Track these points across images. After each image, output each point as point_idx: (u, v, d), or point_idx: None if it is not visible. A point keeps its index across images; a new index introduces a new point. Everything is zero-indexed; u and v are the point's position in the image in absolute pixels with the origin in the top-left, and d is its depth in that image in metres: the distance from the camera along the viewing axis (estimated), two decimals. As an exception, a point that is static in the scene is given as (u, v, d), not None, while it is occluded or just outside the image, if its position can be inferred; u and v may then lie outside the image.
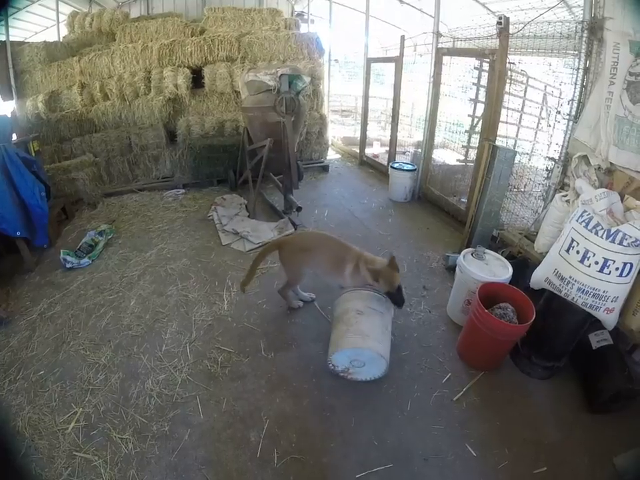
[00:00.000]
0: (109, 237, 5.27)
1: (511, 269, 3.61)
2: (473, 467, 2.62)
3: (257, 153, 5.98)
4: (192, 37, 7.89)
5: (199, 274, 4.55)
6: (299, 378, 3.20)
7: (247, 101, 6.00)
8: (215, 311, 3.97)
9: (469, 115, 6.36)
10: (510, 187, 4.69)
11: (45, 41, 7.76)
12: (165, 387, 3.14)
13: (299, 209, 5.63)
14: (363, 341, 2.94)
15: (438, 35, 5.88)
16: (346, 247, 3.55)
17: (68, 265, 4.66)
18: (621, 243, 2.64)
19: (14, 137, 5.53)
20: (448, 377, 3.19)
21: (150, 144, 7.34)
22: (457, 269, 3.77)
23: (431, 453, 2.69)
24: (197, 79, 7.56)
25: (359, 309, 3.16)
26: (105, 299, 4.12)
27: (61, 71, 7.51)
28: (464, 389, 3.15)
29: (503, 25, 4.32)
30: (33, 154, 5.51)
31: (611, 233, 2.67)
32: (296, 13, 10.82)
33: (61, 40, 8.82)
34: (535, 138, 7.26)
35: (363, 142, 8.82)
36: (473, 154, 6.18)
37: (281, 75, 5.27)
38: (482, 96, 5.88)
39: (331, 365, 3.07)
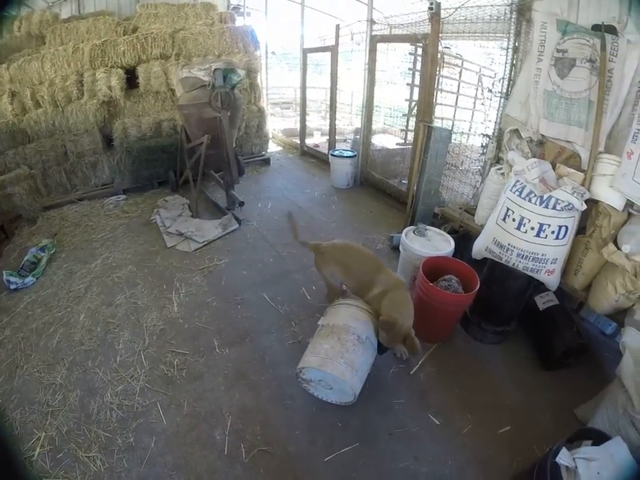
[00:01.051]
0: (52, 251, 5.03)
1: (453, 243, 3.74)
2: (438, 434, 2.74)
3: (196, 151, 5.85)
4: (124, 35, 7.51)
5: (146, 279, 4.46)
6: (255, 371, 3.22)
7: (182, 98, 5.84)
8: (166, 314, 3.92)
9: (406, 100, 6.48)
10: (447, 165, 4.84)
11: (-31, 49, 7.21)
12: (124, 397, 3.09)
13: (241, 203, 5.60)
14: (351, 375, 2.71)
15: (372, 22, 5.91)
16: (378, 269, 3.17)
17: (12, 287, 4.43)
18: (554, 208, 2.81)
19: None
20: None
21: (86, 150, 6.98)
22: (400, 247, 3.87)
23: (394, 427, 2.78)
24: (131, 79, 7.24)
25: (361, 336, 2.86)
26: (54, 317, 3.96)
27: (-12, 81, 7.01)
28: (419, 362, 3.27)
29: (435, 10, 4.39)
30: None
31: (544, 199, 2.84)
32: (232, 6, 10.49)
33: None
34: (471, 118, 7.49)
35: (303, 132, 8.80)
36: (411, 137, 6.26)
37: (215, 69, 5.13)
38: (418, 80, 5.95)
39: (300, 372, 2.87)
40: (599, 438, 2.05)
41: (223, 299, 4.08)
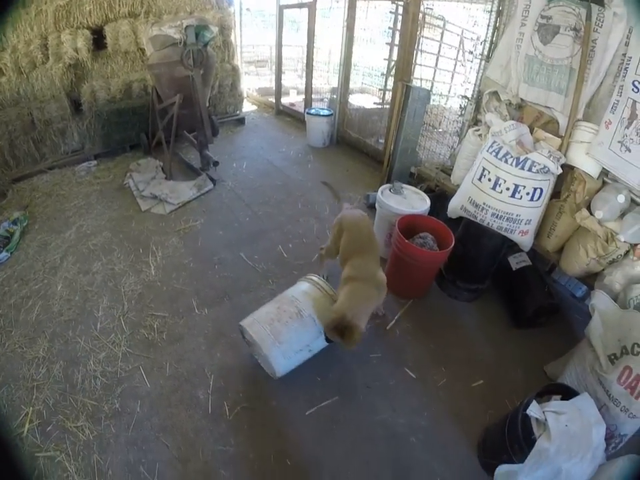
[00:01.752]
0: (24, 224, 4.88)
1: (428, 201, 3.74)
2: (414, 387, 2.82)
3: (168, 112, 5.64)
4: None
5: (122, 245, 4.37)
6: (235, 329, 3.17)
7: (152, 57, 5.55)
8: (143, 278, 3.87)
9: (385, 59, 6.29)
10: (425, 125, 4.79)
11: None
12: (107, 364, 3.08)
13: (215, 163, 5.47)
14: (271, 346, 2.62)
15: None
16: (364, 252, 2.83)
17: (-13, 264, 4.35)
18: (530, 170, 2.80)
19: None
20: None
21: (54, 117, 6.62)
22: (377, 204, 3.85)
23: (372, 380, 2.85)
24: (98, 39, 6.78)
25: (303, 312, 2.75)
26: (31, 290, 3.88)
27: (-57, 52, 6.54)
28: (395, 317, 3.32)
29: None
30: None
31: (520, 160, 2.83)
32: (205, -40, 9.94)
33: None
34: (451, 80, 7.34)
35: (279, 91, 8.55)
36: (389, 97, 6.13)
37: (187, 26, 4.86)
38: (398, 40, 5.76)
39: (241, 330, 2.88)
40: (568, 393, 2.14)
41: (200, 260, 4.04)
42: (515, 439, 2.05)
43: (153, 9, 7.05)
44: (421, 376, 2.90)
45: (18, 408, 2.87)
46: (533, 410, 1.96)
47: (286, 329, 2.67)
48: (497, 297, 3.57)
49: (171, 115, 5.48)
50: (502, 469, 2.12)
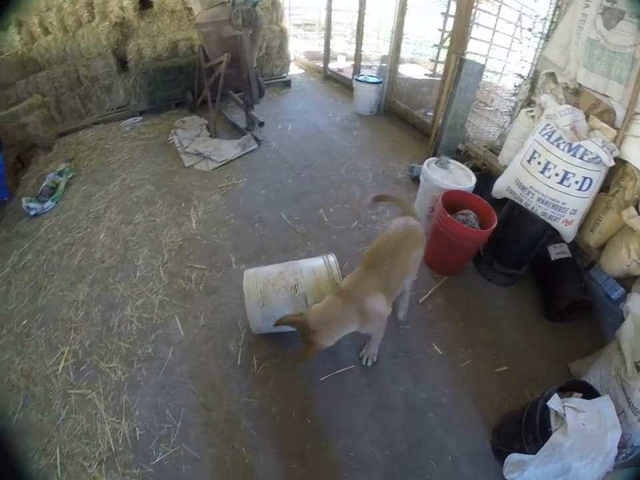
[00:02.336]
0: (69, 176, 5.13)
1: (474, 178, 3.66)
2: (439, 364, 2.83)
3: (215, 71, 5.71)
4: None
5: (164, 198, 4.54)
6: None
7: (200, 16, 5.62)
8: (184, 231, 4.01)
9: (438, 30, 6.13)
10: (476, 101, 4.64)
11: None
12: (143, 311, 3.24)
13: (261, 124, 5.51)
14: (254, 304, 2.73)
15: None
16: (377, 265, 2.47)
17: (32, 212, 4.57)
18: (581, 158, 2.69)
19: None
20: (414, 279, 3.24)
21: (100, 74, 6.86)
22: (421, 176, 3.81)
23: (399, 351, 2.88)
24: None
25: (300, 288, 2.76)
26: (74, 238, 4.10)
27: (-8, 12, 6.91)
28: (429, 292, 3.31)
29: None
30: (-26, 107, 5.26)
31: (573, 147, 2.72)
32: None
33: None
34: (506, 57, 7.10)
35: (327, 56, 8.42)
36: (440, 69, 6.01)
37: None
38: (453, 10, 5.58)
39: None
40: (589, 393, 2.10)
41: (241, 217, 4.14)
42: (531, 430, 2.05)
43: (200, -33, 7.08)
44: (447, 353, 2.91)
45: (55, 347, 3.10)
46: (554, 402, 1.95)
47: (275, 295, 2.73)
48: (531, 285, 3.49)
49: (218, 74, 5.54)
50: (513, 458, 2.11)
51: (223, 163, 5.10)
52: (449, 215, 3.17)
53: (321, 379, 2.72)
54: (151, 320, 3.17)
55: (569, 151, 2.74)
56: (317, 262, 2.94)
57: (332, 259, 2.94)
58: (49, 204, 4.65)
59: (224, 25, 5.11)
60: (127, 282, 3.52)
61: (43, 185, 4.86)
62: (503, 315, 3.23)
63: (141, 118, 6.76)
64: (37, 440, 2.57)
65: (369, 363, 2.81)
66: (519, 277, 3.49)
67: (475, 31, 4.75)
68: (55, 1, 6.74)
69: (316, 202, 4.36)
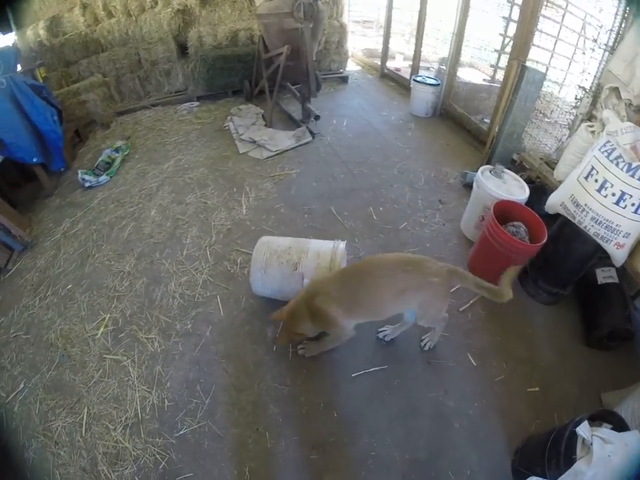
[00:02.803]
0: (125, 153, 5.36)
1: (527, 190, 3.59)
2: (472, 375, 2.80)
3: (274, 62, 5.82)
4: None
5: (217, 182, 4.68)
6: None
7: (262, 7, 5.76)
8: (234, 215, 4.13)
9: (500, 34, 6.03)
10: (535, 111, 4.54)
11: (37, -35, 7.43)
12: (187, 288, 3.36)
13: (317, 117, 5.57)
14: (256, 270, 2.97)
15: None
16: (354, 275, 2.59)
17: (87, 184, 4.81)
18: None
19: (18, 67, 5.51)
20: (456, 287, 3.23)
21: (160, 58, 7.17)
22: (474, 184, 3.76)
23: (433, 357, 2.87)
24: None
25: (299, 267, 2.93)
26: (126, 212, 4.29)
27: (59, -6, 7.24)
28: (471, 301, 3.27)
29: None
30: (41, 80, 5.60)
31: (632, 167, 2.63)
32: None
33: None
34: (568, 68, 6.91)
35: (385, 54, 8.41)
36: (500, 75, 5.87)
37: None
38: (515, 15, 5.48)
39: None
40: (620, 425, 2.04)
41: (291, 207, 4.21)
42: (555, 454, 2.00)
43: (263, -41, 7.26)
44: (481, 365, 2.87)
45: (96, 313, 3.27)
46: (583, 429, 1.90)
47: (277, 267, 2.95)
48: (574, 307, 3.37)
49: (277, 65, 5.64)
50: (532, 481, 2.07)
51: (277, 152, 5.20)
52: (500, 226, 3.15)
53: (353, 375, 2.74)
54: (193, 297, 3.28)
55: (627, 170, 2.64)
56: (326, 246, 3.03)
57: (341, 246, 3.01)
58: (103, 178, 4.87)
59: (285, 17, 5.20)
60: (173, 259, 3.65)
61: (99, 159, 5.10)
62: (542, 334, 3.16)
63: (197, 103, 7.01)
64: (67, 398, 2.73)
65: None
66: (562, 296, 3.39)
67: (536, 38, 4.66)
68: None
69: (366, 199, 4.37)
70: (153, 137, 5.88)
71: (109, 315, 3.22)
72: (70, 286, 3.56)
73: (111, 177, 4.95)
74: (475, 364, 2.86)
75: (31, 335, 3.21)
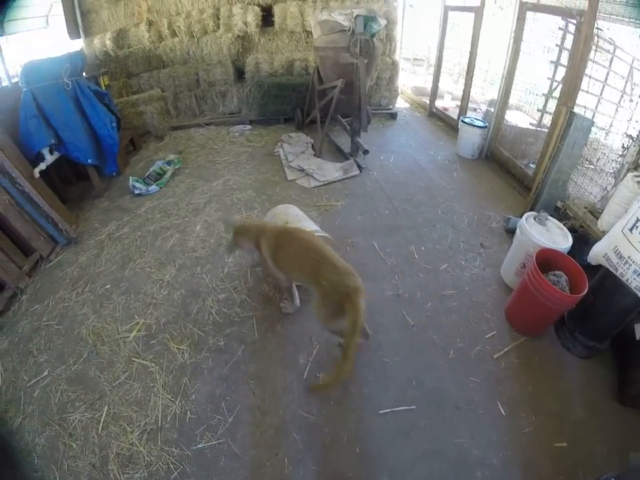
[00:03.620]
0: (177, 166, 5.55)
1: (571, 239, 3.53)
2: (500, 424, 2.72)
3: (327, 94, 5.97)
4: None
5: (263, 205, 4.76)
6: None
7: (319, 40, 5.93)
8: (277, 240, 4.16)
9: (548, 78, 6.06)
10: (582, 158, 4.51)
11: (110, -20, 7.94)
12: (224, 305, 3.40)
13: (365, 151, 5.65)
14: None
15: None
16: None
17: (136, 191, 4.99)
18: None
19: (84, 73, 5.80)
20: (492, 334, 3.24)
21: (218, 80, 7.51)
22: (518, 230, 3.73)
23: (463, 402, 2.80)
24: (266, 16, 7.53)
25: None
26: (172, 223, 4.41)
27: (127, 9, 7.69)
28: (505, 349, 3.19)
29: None
30: (104, 87, 5.86)
31: None
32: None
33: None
34: (614, 114, 6.85)
35: (434, 93, 8.50)
36: (547, 119, 5.91)
37: (357, 15, 5.18)
38: (563, 59, 5.57)
39: None
40: None
41: (334, 239, 4.16)
42: None
43: (320, -6, 7.53)
44: (510, 415, 2.78)
45: (131, 316, 3.35)
46: None
47: None
48: (609, 362, 3.24)
49: (330, 98, 5.78)
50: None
51: (324, 182, 5.27)
52: (541, 274, 3.09)
53: (381, 412, 2.69)
54: (229, 315, 3.31)
55: (673, 226, 2.62)
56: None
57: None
58: (153, 187, 5.04)
59: (342, 52, 5.37)
60: (214, 275, 3.71)
61: (151, 169, 5.28)
62: (574, 388, 3.05)
63: (250, 126, 7.23)
64: (89, 393, 2.78)
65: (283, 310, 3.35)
66: (597, 350, 3.27)
67: (584, 83, 4.61)
68: (185, 7, 7.56)
69: (409, 237, 4.37)
70: (204, 154, 6.08)
71: (143, 320, 3.30)
72: (108, 286, 3.68)
73: (160, 188, 5.11)
74: (504, 413, 2.78)
75: (63, 327, 3.32)
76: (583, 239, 3.79)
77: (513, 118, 6.81)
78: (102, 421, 2.61)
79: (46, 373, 2.92)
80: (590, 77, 4.79)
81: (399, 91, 8.73)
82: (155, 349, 3.07)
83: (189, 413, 2.65)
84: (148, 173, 5.23)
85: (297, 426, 2.59)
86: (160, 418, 2.62)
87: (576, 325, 3.29)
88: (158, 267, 3.84)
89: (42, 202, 4.03)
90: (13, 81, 5.85)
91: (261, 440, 2.52)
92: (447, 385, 2.89)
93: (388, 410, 2.70)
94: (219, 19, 7.46)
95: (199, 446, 2.47)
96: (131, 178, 5.07)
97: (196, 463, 2.41)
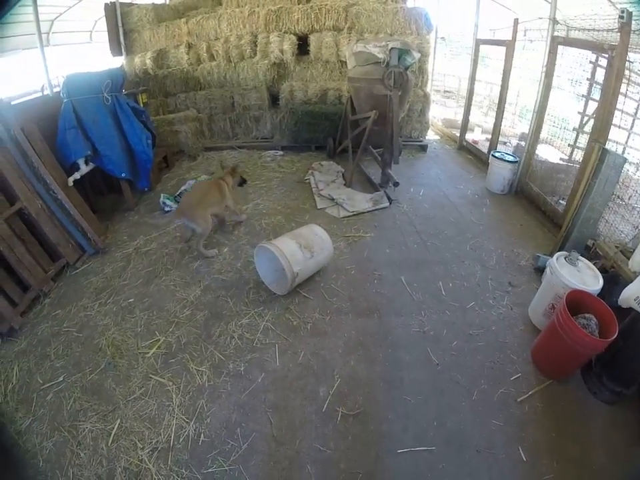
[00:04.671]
0: (208, 187, 5.59)
1: (601, 281, 3.42)
2: (520, 470, 2.61)
3: (360, 124, 6.01)
4: (299, 4, 7.96)
5: (291, 232, 4.73)
6: (375, 345, 3.26)
7: (354, 71, 6.01)
8: (303, 270, 4.13)
9: (578, 112, 5.97)
10: (613, 196, 4.40)
11: (153, 3, 8.32)
12: (247, 330, 3.35)
13: (396, 184, 5.61)
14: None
15: (554, 21, 5.50)
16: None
17: (167, 209, 5.03)
18: None
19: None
20: (517, 376, 3.14)
21: (252, 105, 7.67)
22: (547, 269, 3.63)
23: (484, 445, 2.69)
24: (302, 45, 7.70)
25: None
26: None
27: (168, 31, 7.97)
28: (530, 392, 3.09)
29: (625, 20, 3.96)
30: (142, 105, 6.02)
31: None
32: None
33: (168, 2, 9.45)
34: None
35: (465, 126, 8.48)
36: (578, 155, 5.75)
37: (392, 48, 5.23)
38: (594, 93, 5.50)
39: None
40: None
41: (362, 270, 4.17)
42: None
43: (355, 26, 7.74)
44: (531, 460, 2.65)
45: (152, 332, 3.34)
46: None
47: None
48: (635, 408, 3.11)
49: (363, 128, 5.81)
50: None
51: (354, 213, 5.25)
52: (571, 317, 2.98)
53: (399, 451, 2.59)
54: (251, 341, 3.25)
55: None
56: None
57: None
58: (182, 205, 5.06)
59: (376, 83, 5.42)
60: (239, 299, 3.68)
61: (182, 188, 5.34)
62: (598, 434, 2.90)
63: (282, 152, 7.32)
64: (102, 405, 2.76)
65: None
66: (624, 396, 3.13)
67: (616, 118, 4.52)
68: (224, 33, 7.80)
69: (437, 272, 4.28)
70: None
71: (164, 338, 3.27)
72: (132, 300, 3.69)
73: (190, 207, 5.13)
74: (524, 459, 2.65)
75: (83, 335, 3.32)
76: (614, 279, 3.65)
77: (543, 152, 6.69)
78: (113, 433, 2.58)
79: (61, 379, 2.93)
80: (622, 111, 4.71)
81: (430, 123, 8.76)
82: (173, 367, 3.03)
83: (202, 435, 2.60)
84: (179, 191, 5.28)
85: (312, 459, 2.51)
86: (172, 437, 2.58)
87: (604, 369, 3.17)
88: (183, 285, 3.83)
89: (73, 210, 4.12)
90: (55, 90, 5.99)
91: (273, 470, 2.45)
92: (469, 427, 2.78)
93: (407, 449, 2.60)
94: (256, 45, 7.67)
95: (210, 470, 2.42)
96: (162, 195, 5.14)
97: (205, 486, 2.34)
